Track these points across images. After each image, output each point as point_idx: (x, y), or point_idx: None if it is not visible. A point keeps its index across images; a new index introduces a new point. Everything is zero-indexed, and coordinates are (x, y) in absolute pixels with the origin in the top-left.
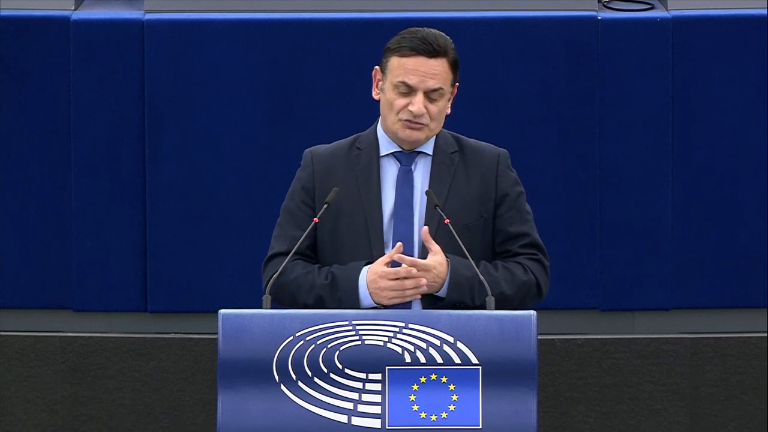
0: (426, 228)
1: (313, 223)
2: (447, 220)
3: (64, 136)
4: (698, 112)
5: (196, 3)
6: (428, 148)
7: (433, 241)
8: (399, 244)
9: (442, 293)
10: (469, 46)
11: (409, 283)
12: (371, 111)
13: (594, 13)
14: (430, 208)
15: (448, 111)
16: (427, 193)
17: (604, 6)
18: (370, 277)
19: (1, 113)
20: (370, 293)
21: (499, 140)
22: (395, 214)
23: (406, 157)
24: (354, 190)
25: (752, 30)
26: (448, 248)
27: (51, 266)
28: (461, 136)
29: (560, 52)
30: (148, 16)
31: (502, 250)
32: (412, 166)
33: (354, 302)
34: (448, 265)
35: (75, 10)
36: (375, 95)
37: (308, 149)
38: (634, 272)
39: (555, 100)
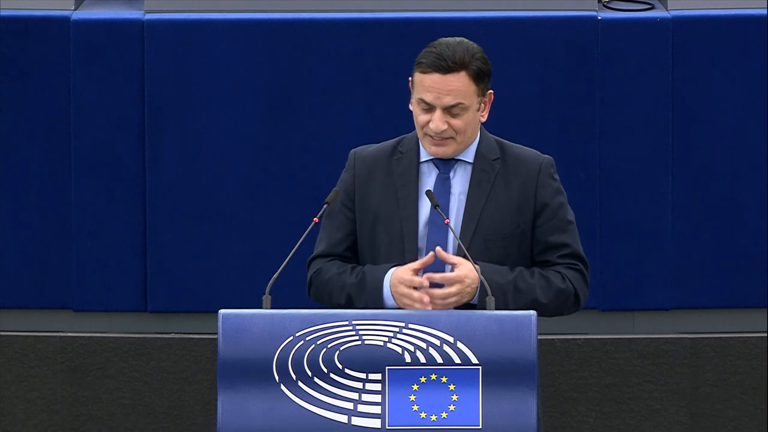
0: (438, 248)
1: (313, 223)
2: (447, 220)
3: (64, 136)
4: (698, 112)
5: (196, 3)
6: (468, 155)
7: (451, 256)
8: (431, 253)
9: (474, 301)
10: None
11: (415, 295)
12: (371, 111)
13: (594, 13)
14: (467, 214)
15: (483, 119)
16: (426, 193)
17: (604, 6)
18: (393, 281)
19: (1, 113)
20: (392, 296)
21: None
22: (430, 221)
23: (445, 164)
24: (392, 195)
25: (752, 30)
26: (484, 256)
27: (51, 266)
28: (506, 141)
29: (560, 52)
30: (148, 16)
31: (541, 260)
32: (451, 173)
33: (378, 302)
34: (479, 273)
35: (75, 10)
36: (411, 107)
37: (354, 150)
38: (634, 272)
39: (555, 100)
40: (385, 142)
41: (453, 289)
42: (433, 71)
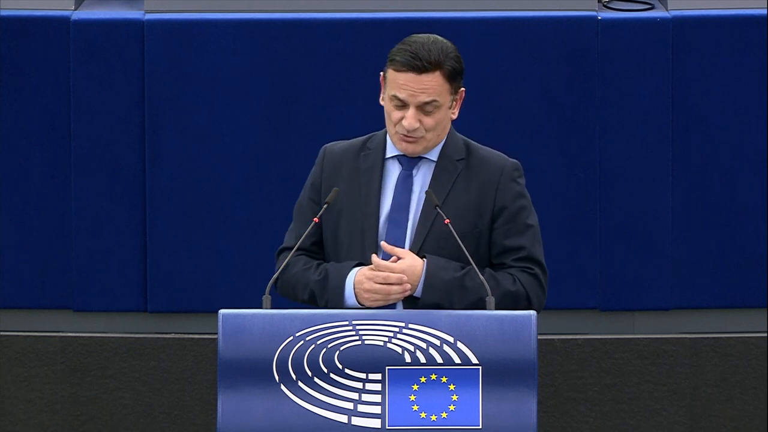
0: (384, 243)
1: (312, 223)
2: (447, 221)
3: (64, 136)
4: (698, 112)
5: (196, 3)
6: (433, 154)
7: (398, 249)
8: (374, 255)
9: (417, 293)
10: (469, 46)
11: (395, 288)
12: (371, 111)
13: (594, 13)
14: (425, 212)
15: (454, 116)
16: (427, 193)
17: (604, 6)
18: (358, 278)
19: (1, 113)
20: (355, 293)
21: (499, 140)
22: (390, 217)
23: (409, 161)
24: (356, 191)
25: (752, 30)
26: (441, 252)
27: (51, 266)
28: (474, 143)
29: (560, 52)
30: (148, 16)
31: (497, 263)
32: (414, 171)
33: (339, 301)
34: (423, 266)
35: (75, 10)
36: (381, 101)
37: (326, 145)
38: (634, 272)
39: (555, 100)
40: (356, 139)
41: (394, 276)
42: (408, 70)
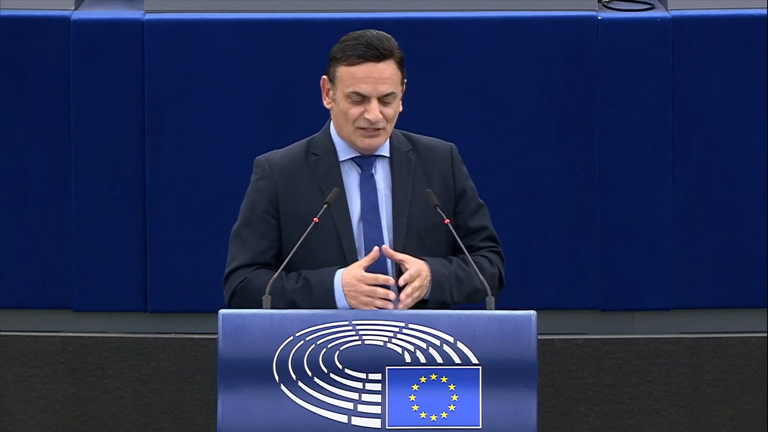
0: (384, 246)
1: (312, 223)
2: (447, 220)
3: (64, 136)
4: (698, 112)
5: (196, 3)
6: (384, 150)
7: (396, 254)
8: (376, 249)
9: (427, 296)
10: (469, 46)
11: (380, 291)
12: None
13: (594, 13)
14: (397, 210)
15: (401, 109)
16: (426, 193)
17: (604, 6)
18: (347, 278)
19: (1, 113)
20: (345, 295)
21: (499, 140)
22: (363, 219)
23: (366, 161)
24: (319, 198)
25: (752, 30)
26: (419, 251)
27: (51, 266)
28: (410, 133)
29: (560, 52)
30: (148, 16)
31: (465, 245)
32: (373, 170)
33: (329, 305)
34: (428, 267)
35: (75, 10)
36: (327, 104)
37: (261, 157)
38: (634, 272)
39: (555, 100)
40: (292, 147)
41: (416, 282)
42: (365, 61)
